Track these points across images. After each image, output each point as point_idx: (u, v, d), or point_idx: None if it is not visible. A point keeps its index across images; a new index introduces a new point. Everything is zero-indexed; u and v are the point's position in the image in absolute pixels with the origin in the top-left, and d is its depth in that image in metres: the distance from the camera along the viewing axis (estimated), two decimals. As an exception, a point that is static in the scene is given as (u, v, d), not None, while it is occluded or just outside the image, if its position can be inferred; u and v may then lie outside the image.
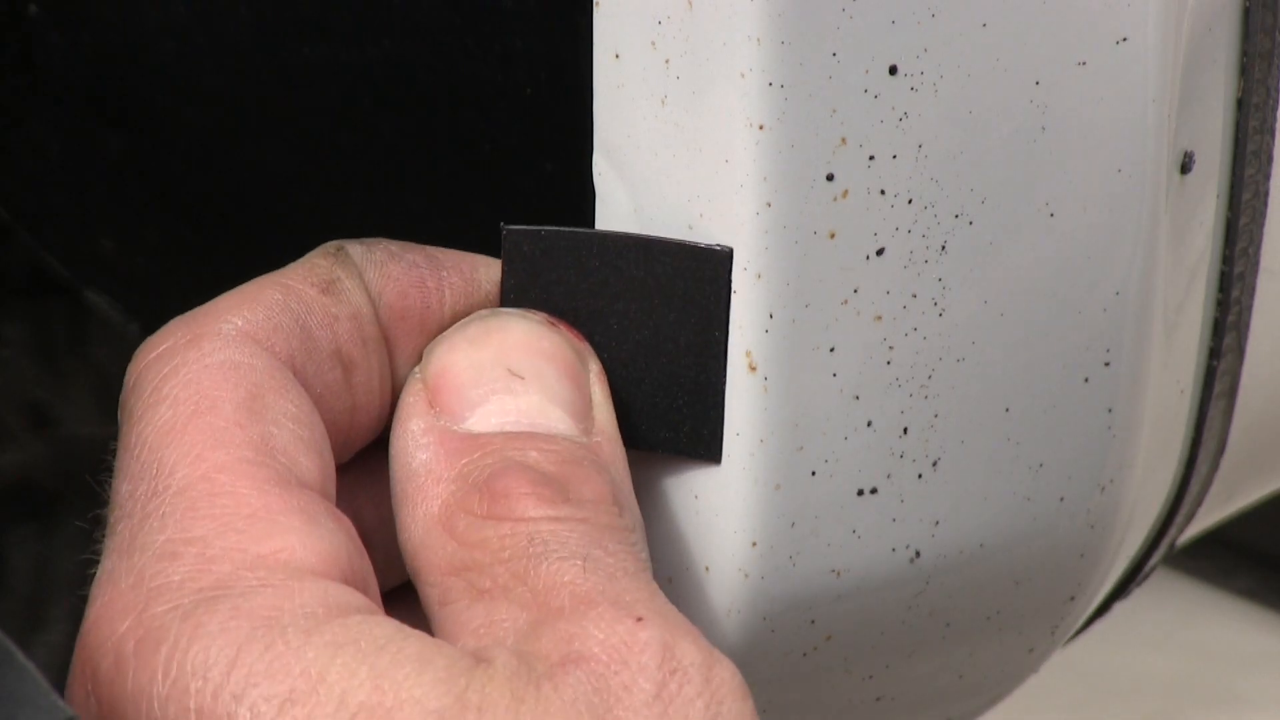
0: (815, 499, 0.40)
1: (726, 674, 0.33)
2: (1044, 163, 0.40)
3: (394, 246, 0.39)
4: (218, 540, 0.33)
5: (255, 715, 0.31)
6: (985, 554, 0.43)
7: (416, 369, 0.38)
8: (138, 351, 0.37)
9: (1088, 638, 0.56)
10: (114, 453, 0.37)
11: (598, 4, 0.39)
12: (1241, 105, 0.45)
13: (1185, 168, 0.44)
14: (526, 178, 0.43)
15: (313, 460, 0.35)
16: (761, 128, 0.37)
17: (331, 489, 0.36)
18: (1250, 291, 0.47)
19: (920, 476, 0.41)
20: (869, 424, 0.40)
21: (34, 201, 0.53)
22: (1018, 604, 0.45)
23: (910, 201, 0.39)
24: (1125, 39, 0.40)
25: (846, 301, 0.39)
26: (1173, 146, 0.43)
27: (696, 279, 0.39)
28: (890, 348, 0.40)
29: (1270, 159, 0.46)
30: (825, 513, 0.40)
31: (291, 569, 0.33)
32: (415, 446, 0.37)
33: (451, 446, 0.37)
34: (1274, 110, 0.45)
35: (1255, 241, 0.46)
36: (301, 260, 0.39)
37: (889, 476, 0.41)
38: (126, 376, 0.37)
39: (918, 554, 0.42)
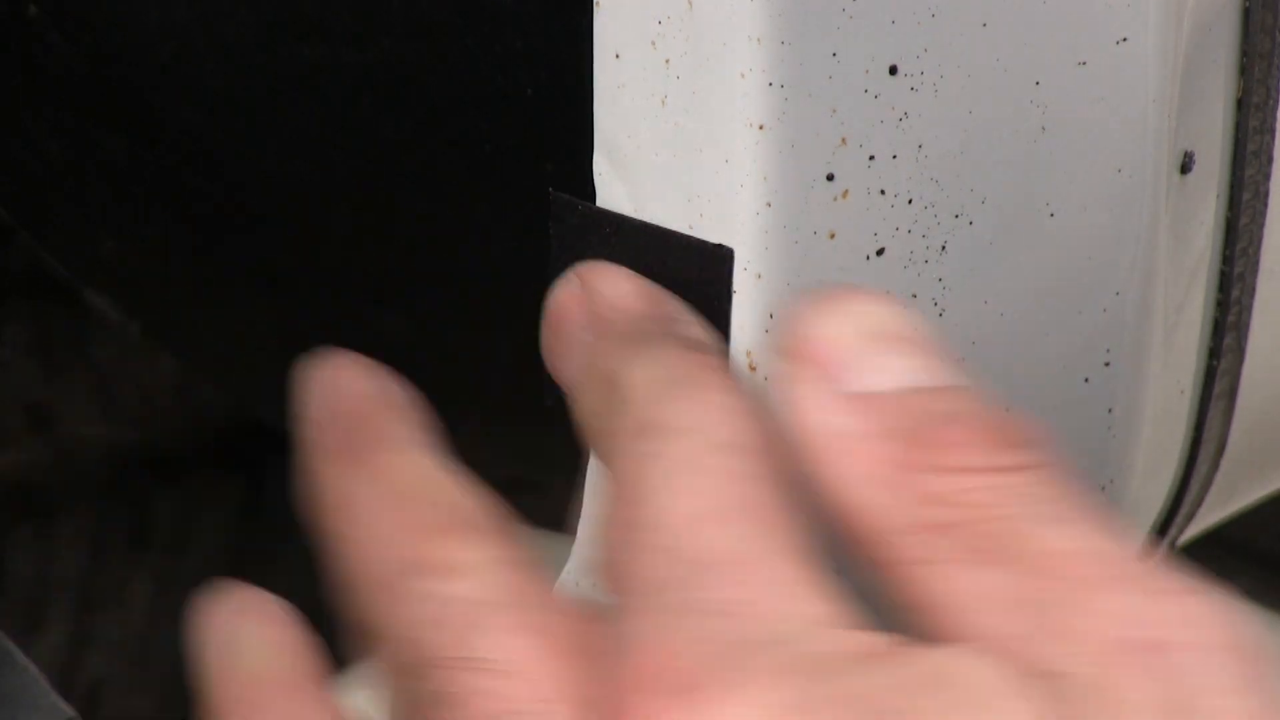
0: (815, 499, 0.40)
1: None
2: (1044, 163, 0.40)
3: None
4: None
5: None
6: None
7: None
8: None
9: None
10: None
11: (598, 4, 0.39)
12: (1241, 105, 0.45)
13: (1185, 168, 0.44)
14: (526, 178, 0.43)
15: None
16: (761, 128, 0.37)
17: None
18: (1250, 292, 0.47)
19: (920, 476, 0.41)
20: (869, 424, 0.40)
21: (34, 201, 0.53)
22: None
23: (910, 201, 0.39)
24: (1125, 39, 0.40)
25: (846, 301, 0.39)
26: (1173, 147, 0.43)
27: (701, 276, 0.39)
28: (890, 348, 0.40)
29: (1271, 159, 0.46)
30: (825, 513, 0.40)
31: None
32: (818, 412, 0.33)
33: (861, 406, 0.33)
34: (1274, 110, 0.45)
35: (1255, 242, 0.46)
36: None
37: (889, 476, 0.41)
38: None
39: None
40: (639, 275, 0.39)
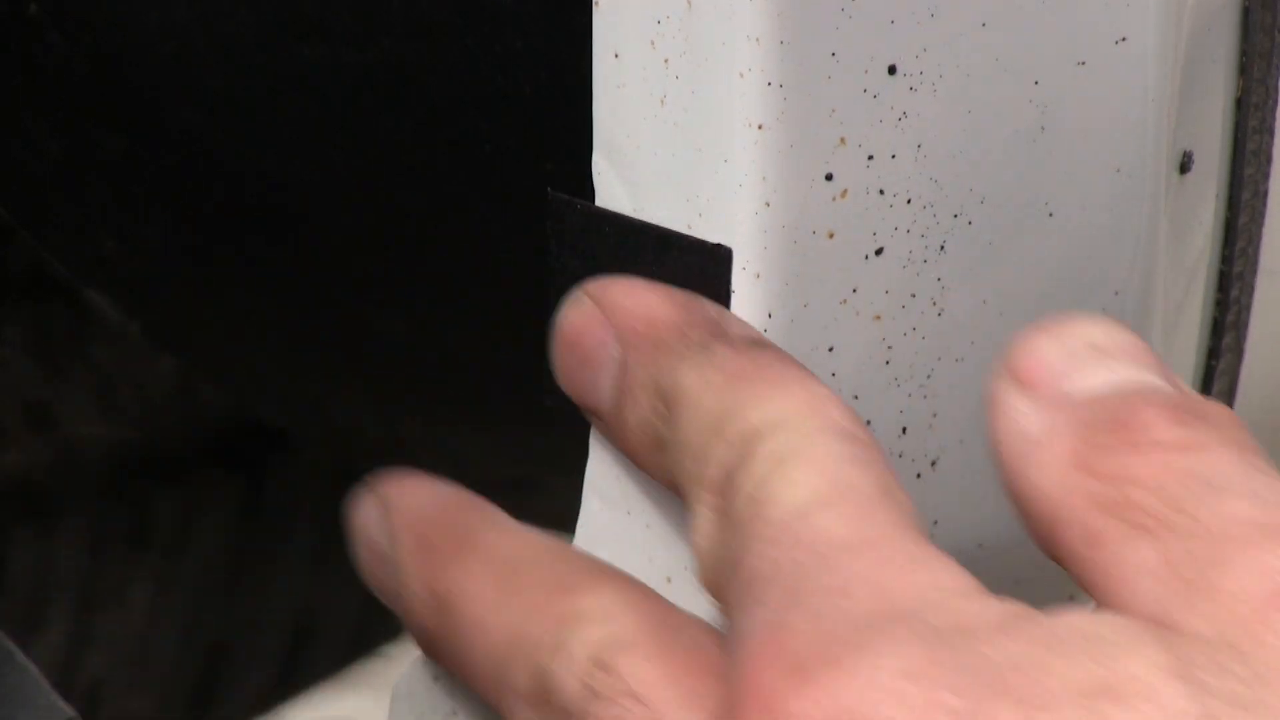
0: (814, 498, 0.40)
1: None
2: (1043, 162, 0.40)
3: None
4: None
5: None
6: (985, 554, 0.43)
7: None
8: None
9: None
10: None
11: (597, 4, 0.39)
12: (1241, 105, 0.45)
13: (1184, 167, 0.44)
14: (526, 178, 0.43)
15: None
16: (760, 127, 0.37)
17: None
18: (1250, 291, 0.47)
19: (919, 476, 0.41)
20: (868, 423, 0.40)
21: (34, 201, 0.53)
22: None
23: (909, 201, 0.39)
24: (1125, 38, 0.40)
25: (845, 301, 0.39)
26: (1172, 146, 0.43)
27: (700, 276, 0.39)
28: (889, 347, 0.40)
29: (1270, 159, 0.46)
30: (824, 512, 0.40)
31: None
32: (1023, 420, 0.33)
33: (1064, 405, 0.33)
34: (1274, 110, 0.45)
35: (1255, 241, 0.46)
36: None
37: (888, 476, 0.41)
38: None
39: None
40: (657, 282, 0.39)
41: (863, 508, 0.33)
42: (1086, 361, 0.33)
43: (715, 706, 0.33)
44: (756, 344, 0.37)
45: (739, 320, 0.38)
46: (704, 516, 0.35)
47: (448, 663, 0.39)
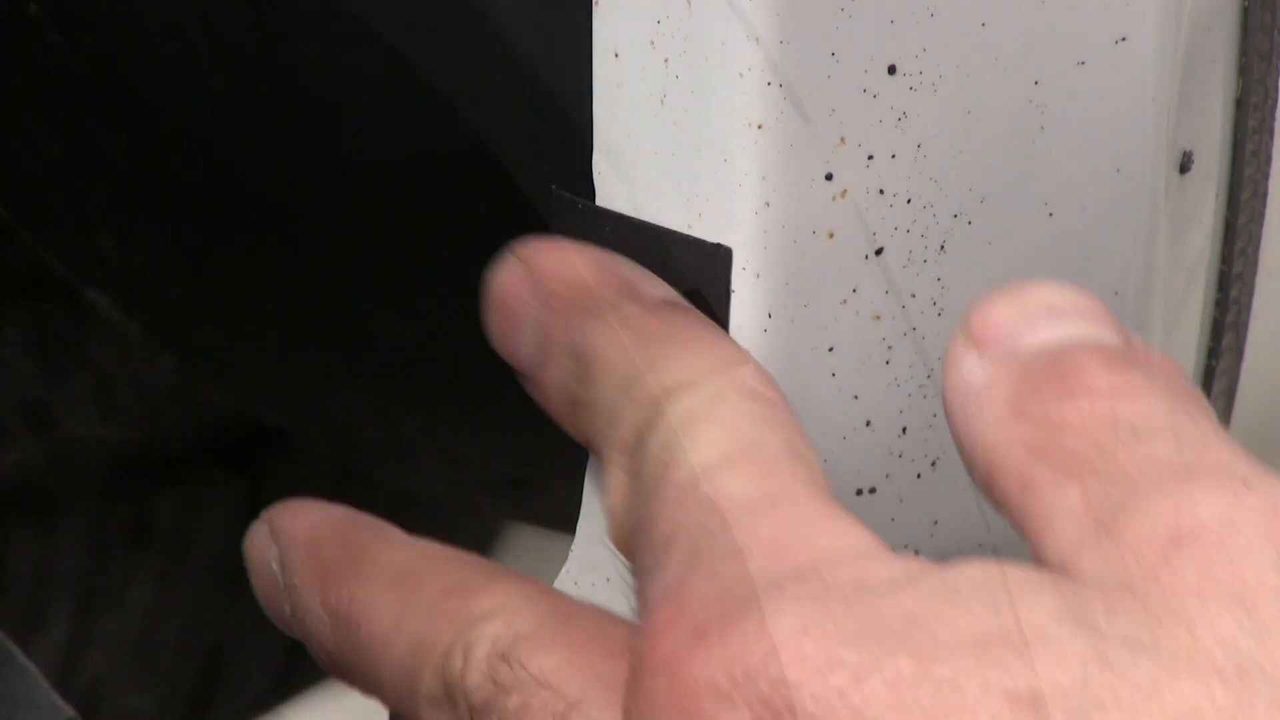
0: (814, 498, 0.40)
1: None
2: (1043, 162, 0.40)
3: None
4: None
5: None
6: (984, 554, 0.43)
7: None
8: None
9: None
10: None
11: (597, 4, 0.39)
12: (1240, 105, 0.45)
13: (1184, 167, 0.44)
14: (527, 177, 0.43)
15: None
16: (760, 127, 0.37)
17: None
18: (1249, 291, 0.47)
19: (919, 476, 0.41)
20: (868, 424, 0.40)
21: (34, 201, 0.53)
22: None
23: (909, 201, 0.39)
24: (1124, 38, 0.40)
25: (845, 301, 0.39)
26: (1172, 146, 0.43)
27: (700, 275, 0.39)
28: (889, 347, 0.40)
29: (1269, 159, 0.46)
30: (824, 512, 0.40)
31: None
32: (970, 374, 0.33)
33: (1009, 360, 0.32)
34: (1273, 110, 0.45)
35: (1254, 241, 0.46)
36: None
37: (887, 476, 0.41)
38: None
39: (916, 554, 0.42)
40: (586, 246, 0.39)
41: (768, 468, 0.33)
42: (1038, 319, 0.33)
43: (623, 684, 0.33)
44: (669, 304, 0.37)
45: (655, 280, 0.38)
46: (615, 478, 0.35)
47: (356, 681, 0.39)
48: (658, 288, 0.38)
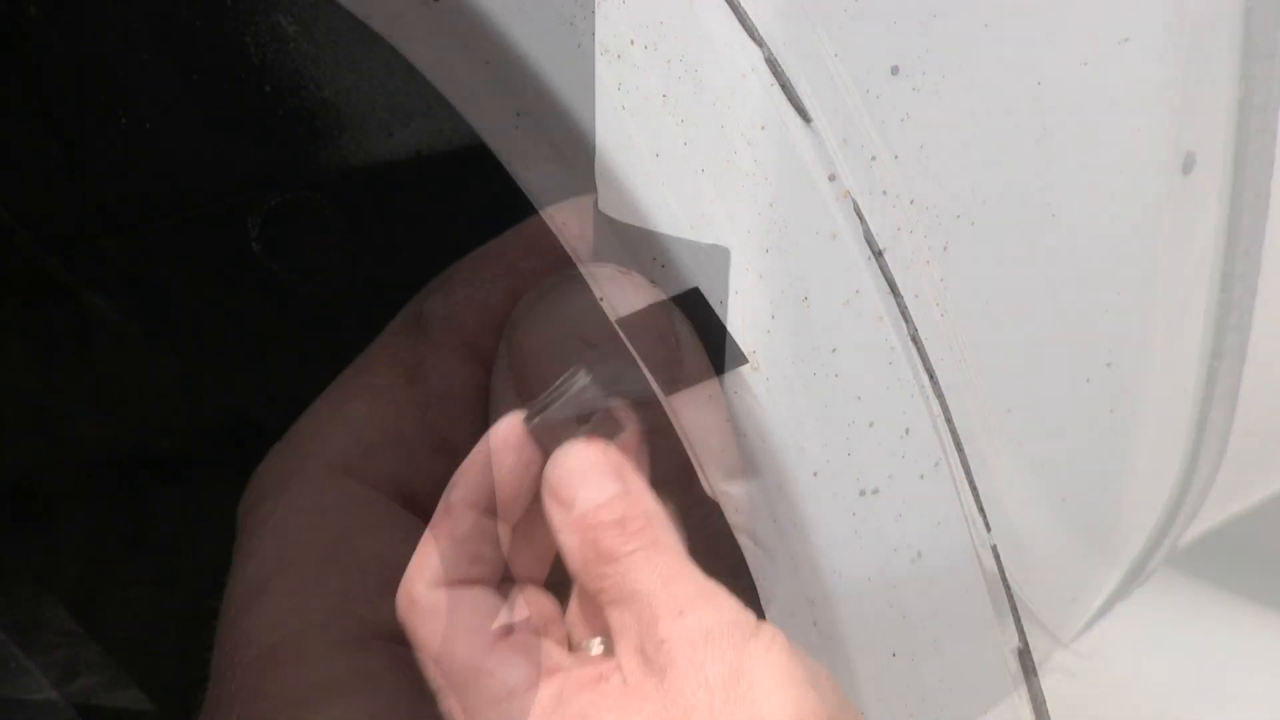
0: (817, 499, 0.40)
1: (764, 638, 0.38)
2: (1046, 163, 0.40)
3: (470, 273, 0.42)
4: (279, 716, 0.38)
5: None
6: (985, 553, 0.43)
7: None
8: (246, 489, 0.42)
9: (1088, 637, 0.56)
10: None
11: (597, 4, 0.39)
12: (1243, 106, 0.45)
13: (1187, 168, 0.44)
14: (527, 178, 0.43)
15: (409, 587, 0.40)
16: (763, 128, 0.37)
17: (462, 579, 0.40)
18: (1252, 292, 0.47)
19: (922, 477, 0.41)
20: (871, 424, 0.40)
21: (34, 201, 0.53)
22: (1019, 605, 0.45)
23: (912, 202, 0.39)
24: (1127, 39, 0.40)
25: (848, 302, 0.39)
26: (1174, 147, 0.43)
27: (701, 276, 0.39)
28: (892, 348, 0.40)
29: (1271, 160, 0.46)
30: (827, 513, 0.40)
31: None
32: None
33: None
34: (1275, 111, 0.45)
35: (1257, 242, 0.46)
36: (382, 342, 0.43)
37: (891, 477, 0.41)
38: (238, 515, 0.43)
39: (919, 554, 0.42)
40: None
41: None
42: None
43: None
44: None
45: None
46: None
47: None
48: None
